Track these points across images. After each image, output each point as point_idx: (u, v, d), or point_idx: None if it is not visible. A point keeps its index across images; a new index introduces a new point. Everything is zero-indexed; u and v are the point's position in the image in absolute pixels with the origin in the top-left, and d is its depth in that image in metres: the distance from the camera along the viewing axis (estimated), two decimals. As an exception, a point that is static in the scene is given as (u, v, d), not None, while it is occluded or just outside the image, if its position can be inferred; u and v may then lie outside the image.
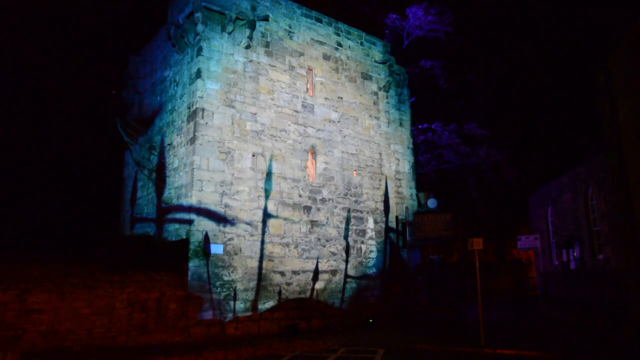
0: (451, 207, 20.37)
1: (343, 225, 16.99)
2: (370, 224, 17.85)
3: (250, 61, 15.67)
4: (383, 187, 18.61)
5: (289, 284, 15.17)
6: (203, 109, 14.33)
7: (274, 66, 16.23)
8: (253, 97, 15.48)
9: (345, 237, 16.96)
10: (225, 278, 13.81)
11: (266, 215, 15.04)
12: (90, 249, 13.94)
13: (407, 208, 18.23)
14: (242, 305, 14.00)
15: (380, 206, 18.36)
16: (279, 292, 14.88)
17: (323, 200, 16.59)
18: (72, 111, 22.10)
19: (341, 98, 17.95)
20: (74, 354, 10.58)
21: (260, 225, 14.84)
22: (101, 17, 22.60)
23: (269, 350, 11.57)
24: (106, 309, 11.48)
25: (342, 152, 17.51)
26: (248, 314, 14.08)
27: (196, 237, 13.46)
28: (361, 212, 17.64)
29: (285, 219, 15.47)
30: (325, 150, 17.00)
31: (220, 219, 14.04)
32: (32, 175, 21.43)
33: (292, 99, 16.45)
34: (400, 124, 19.96)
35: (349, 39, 18.80)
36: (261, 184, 15.11)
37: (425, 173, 27.49)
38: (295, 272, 15.40)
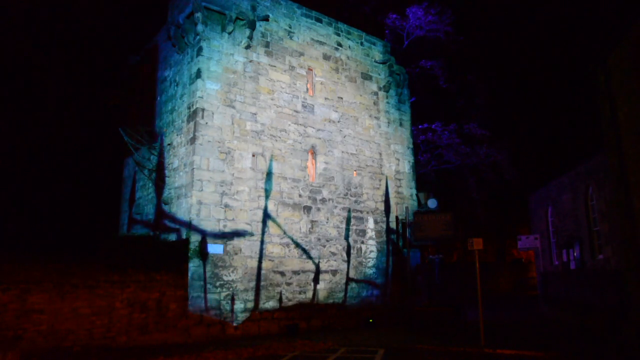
0: (451, 207, 20.40)
1: (343, 226, 16.99)
2: (371, 224, 17.85)
3: (250, 61, 15.67)
4: (383, 187, 18.61)
5: (289, 284, 15.17)
6: (203, 109, 14.33)
7: (274, 66, 16.23)
8: (253, 97, 15.48)
9: (346, 238, 16.96)
10: (225, 278, 13.80)
11: (266, 215, 15.04)
12: (90, 249, 13.94)
13: (407, 208, 18.23)
14: (242, 306, 14.00)
15: (380, 206, 18.36)
16: (279, 292, 14.88)
17: (323, 200, 16.59)
18: (72, 111, 22.11)
19: (341, 98, 17.95)
20: (74, 354, 10.58)
21: (260, 225, 14.84)
22: (101, 17, 22.60)
23: (269, 350, 11.57)
24: (106, 309, 11.48)
25: (342, 152, 17.51)
26: (248, 314, 14.08)
27: (196, 237, 13.45)
28: (361, 212, 17.64)
29: (285, 218, 15.46)
30: (325, 150, 17.00)
31: (221, 218, 14.03)
32: (32, 175, 21.43)
33: (292, 99, 16.45)
34: (400, 124, 19.96)
35: (349, 39, 18.80)
36: (261, 184, 15.11)
37: (425, 173, 27.49)
38: (295, 272, 15.40)
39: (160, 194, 15.82)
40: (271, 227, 15.09)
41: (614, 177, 14.26)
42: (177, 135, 15.29)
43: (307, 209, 16.12)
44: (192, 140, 14.16)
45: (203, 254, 13.45)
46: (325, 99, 17.43)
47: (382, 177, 18.64)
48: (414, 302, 17.10)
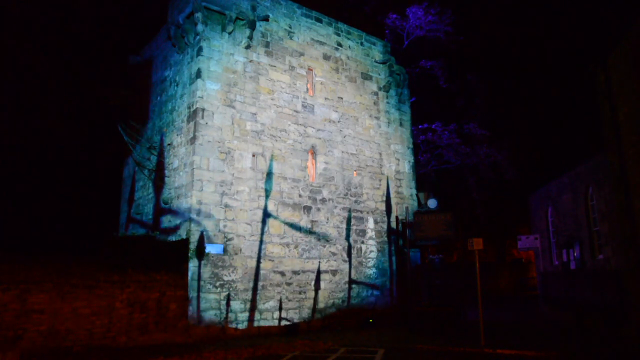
0: (451, 207, 20.39)
1: (343, 226, 16.99)
2: (371, 224, 17.85)
3: (251, 61, 15.68)
4: (383, 187, 18.61)
5: (289, 284, 15.17)
6: (203, 109, 14.33)
7: (274, 66, 16.23)
8: (253, 97, 15.48)
9: (347, 238, 16.96)
10: (226, 278, 13.80)
11: (266, 215, 15.04)
12: (90, 249, 13.94)
13: (407, 208, 18.23)
14: (242, 305, 14.00)
15: (380, 206, 18.36)
16: (279, 292, 14.88)
17: (323, 200, 16.59)
18: (72, 111, 22.11)
19: (341, 98, 17.95)
20: (73, 354, 10.58)
21: (260, 225, 14.84)
22: (101, 17, 22.60)
23: (269, 350, 11.57)
24: (106, 309, 11.48)
25: (342, 152, 17.51)
26: (248, 314, 14.08)
27: (196, 237, 13.45)
28: (361, 212, 17.64)
29: (285, 219, 15.46)
30: (325, 150, 17.00)
31: (221, 218, 14.03)
32: (32, 175, 21.43)
33: (292, 99, 16.45)
34: (400, 124, 19.96)
35: (349, 39, 18.80)
36: (261, 184, 15.11)
37: (425, 173, 27.49)
38: (295, 272, 15.40)
39: (159, 193, 15.82)
40: (271, 227, 15.09)
41: (614, 177, 14.27)
42: (177, 135, 15.29)
43: (307, 209, 16.12)
44: (192, 140, 14.16)
45: (203, 254, 13.46)
46: (325, 99, 17.43)
47: (382, 177, 18.64)
48: (414, 302, 17.10)
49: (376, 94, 19.30)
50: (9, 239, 17.51)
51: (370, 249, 17.69)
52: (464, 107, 30.42)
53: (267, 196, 15.16)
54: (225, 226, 14.08)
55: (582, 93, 29.95)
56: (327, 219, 16.55)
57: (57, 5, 21.65)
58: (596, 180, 19.66)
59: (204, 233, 13.60)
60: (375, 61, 19.57)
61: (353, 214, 17.35)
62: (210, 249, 13.59)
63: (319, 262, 16.05)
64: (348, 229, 17.08)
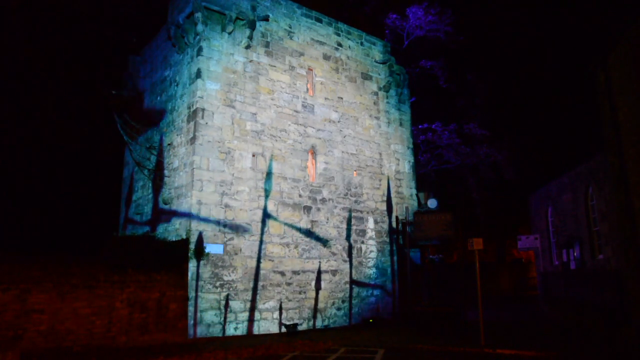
0: (451, 207, 20.40)
1: (343, 226, 16.99)
2: (371, 224, 17.85)
3: (251, 61, 15.68)
4: (383, 187, 18.61)
5: (289, 284, 15.17)
6: (203, 109, 14.33)
7: (274, 66, 16.23)
8: (253, 97, 15.48)
9: (347, 238, 16.96)
10: (226, 278, 13.81)
11: (266, 215, 15.04)
12: (90, 249, 13.94)
13: (407, 208, 18.23)
14: (242, 305, 14.00)
15: (380, 206, 18.36)
16: (279, 292, 14.88)
17: (323, 200, 16.59)
18: (72, 111, 22.11)
19: (341, 98, 17.95)
20: (74, 354, 10.58)
21: (260, 225, 14.84)
22: (101, 17, 22.60)
23: (269, 350, 11.57)
24: (106, 309, 11.48)
25: (342, 152, 17.51)
26: (248, 314, 14.08)
27: (196, 237, 13.45)
28: (361, 212, 17.64)
29: (285, 219, 15.47)
30: (325, 150, 17.00)
31: (221, 218, 14.03)
32: (32, 176, 21.43)
33: (292, 99, 16.45)
34: (400, 124, 19.96)
35: (349, 39, 18.80)
36: (261, 184, 15.11)
37: (425, 173, 27.51)
38: (295, 272, 15.40)
39: (159, 193, 15.82)
40: (271, 227, 15.09)
41: (614, 177, 14.26)
42: (177, 135, 15.29)
43: (307, 209, 16.12)
44: (192, 140, 14.16)
45: (203, 253, 13.46)
46: (325, 99, 17.43)
47: (382, 177, 18.64)
48: (414, 302, 17.11)
49: (376, 94, 19.30)
50: (9, 239, 17.51)
51: (370, 249, 17.69)
52: (464, 107, 30.44)
53: (267, 196, 15.16)
54: (225, 226, 14.08)
55: (582, 93, 29.94)
56: (327, 219, 16.55)
57: (58, 5, 21.65)
58: (596, 180, 19.66)
59: (204, 233, 13.61)
60: (375, 61, 19.57)
61: (353, 214, 17.35)
62: (210, 248, 13.60)
63: (319, 262, 16.05)
64: (348, 229, 17.08)
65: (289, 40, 16.84)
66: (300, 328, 14.86)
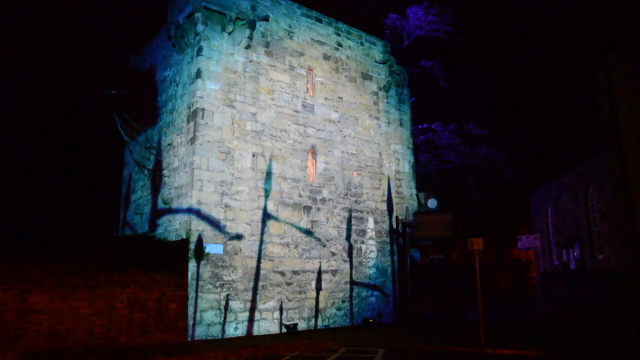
0: (451, 207, 20.39)
1: (343, 226, 16.99)
2: (371, 224, 17.86)
3: (251, 61, 15.68)
4: (383, 187, 18.61)
5: (289, 284, 15.17)
6: (203, 109, 14.33)
7: (274, 66, 16.23)
8: (253, 97, 15.48)
9: (347, 238, 16.96)
10: (226, 278, 13.81)
11: (266, 215, 15.05)
12: (90, 249, 13.94)
13: (407, 208, 18.23)
14: (242, 305, 14.00)
15: (380, 206, 18.36)
16: (279, 292, 14.88)
17: (323, 200, 16.59)
18: (72, 111, 22.11)
19: (341, 98, 17.95)
20: (74, 353, 10.58)
21: (260, 225, 14.84)
22: (101, 17, 22.60)
23: (269, 350, 11.57)
24: (106, 309, 11.48)
25: (342, 152, 17.51)
26: (248, 313, 14.08)
27: (196, 237, 13.46)
28: (361, 212, 17.64)
29: (285, 219, 15.47)
30: (325, 150, 17.00)
31: (221, 218, 14.04)
32: (32, 175, 21.44)
33: (292, 99, 16.45)
34: (400, 124, 19.96)
35: (349, 39, 18.80)
36: (261, 184, 15.12)
37: (425, 173, 27.50)
38: (295, 272, 15.40)
39: (159, 193, 15.82)
40: (271, 227, 15.09)
41: (614, 177, 14.27)
42: (177, 135, 15.29)
43: (307, 209, 16.12)
44: (192, 140, 14.16)
45: (203, 253, 13.46)
46: (325, 99, 17.44)
47: (382, 177, 18.64)
48: (414, 302, 17.11)
49: (376, 94, 19.30)
50: (9, 239, 17.51)
51: (370, 249, 17.69)
52: (464, 107, 30.43)
53: (267, 196, 15.16)
54: (225, 226, 14.08)
55: (582, 93, 29.94)
56: (327, 219, 16.55)
57: (58, 5, 21.65)
58: (596, 180, 19.66)
59: (204, 233, 13.61)
60: (375, 61, 19.57)
61: (353, 214, 17.34)
62: (210, 248, 13.60)
63: (319, 262, 16.05)
64: (348, 229, 17.08)
65: (289, 40, 16.84)
66: (300, 328, 14.86)
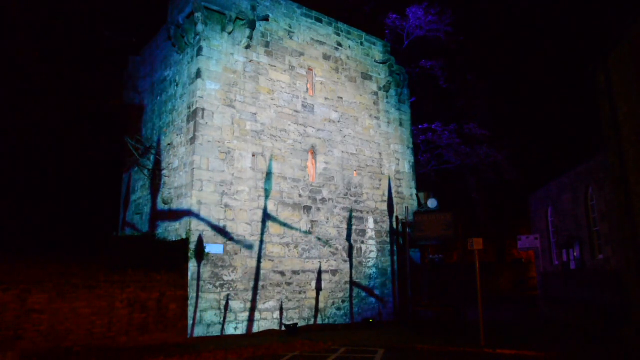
0: (451, 207, 20.38)
1: (343, 225, 16.99)
2: (371, 224, 17.85)
3: (251, 61, 15.67)
4: (383, 187, 18.61)
5: (289, 284, 15.17)
6: (203, 109, 14.33)
7: (274, 66, 16.23)
8: (253, 97, 15.48)
9: (347, 238, 16.96)
10: (226, 278, 13.80)
11: (266, 215, 15.04)
12: (90, 249, 13.93)
13: (407, 208, 18.23)
14: (242, 305, 14.00)
15: (380, 206, 18.36)
16: (279, 292, 14.88)
17: (323, 200, 16.59)
18: (72, 111, 22.10)
19: (341, 98, 17.95)
20: (74, 353, 10.58)
21: (260, 225, 14.84)
22: (101, 17, 22.60)
23: (269, 350, 11.57)
24: (106, 309, 11.48)
25: (342, 152, 17.51)
26: (248, 313, 14.08)
27: (196, 237, 13.46)
28: (361, 212, 17.63)
29: (285, 219, 15.46)
30: (325, 150, 17.00)
31: (221, 218, 14.03)
32: (32, 175, 21.43)
33: (292, 99, 16.45)
34: (400, 124, 19.96)
35: (349, 39, 18.80)
36: (261, 184, 15.11)
37: (425, 173, 27.50)
38: (295, 272, 15.40)
39: (159, 193, 15.82)
40: (271, 227, 15.09)
41: (614, 177, 14.27)
42: (177, 135, 15.29)
43: (307, 209, 16.12)
44: (192, 140, 14.16)
45: (203, 253, 13.46)
46: (325, 99, 17.43)
47: (382, 177, 18.64)
48: (414, 302, 17.11)
49: (376, 94, 19.30)
50: (8, 239, 17.51)
51: (370, 249, 17.69)
52: (464, 107, 30.42)
53: (267, 196, 15.16)
54: (225, 226, 14.08)
55: (582, 93, 29.94)
56: (327, 219, 16.54)
57: (57, 6, 21.64)
58: (596, 180, 19.67)
59: (204, 233, 13.61)
60: (375, 61, 19.57)
61: (353, 214, 17.34)
62: (210, 248, 13.60)
63: (319, 262, 16.05)
64: (348, 229, 17.08)
65: (289, 40, 16.84)
66: (300, 328, 14.85)
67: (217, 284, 13.60)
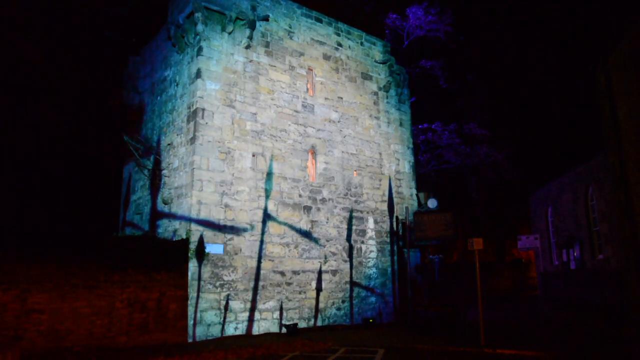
0: (451, 207, 20.38)
1: (343, 226, 16.99)
2: (371, 224, 17.85)
3: (251, 61, 15.68)
4: (383, 187, 18.61)
5: (289, 284, 15.17)
6: (203, 109, 14.33)
7: (274, 66, 16.23)
8: (253, 97, 15.48)
9: (347, 238, 16.96)
10: (226, 278, 13.81)
11: (266, 215, 15.04)
12: (90, 248, 13.93)
13: (407, 208, 18.23)
14: (242, 305, 14.00)
15: (380, 206, 18.36)
16: (279, 292, 14.88)
17: (323, 200, 16.59)
18: (72, 111, 22.10)
19: (341, 98, 17.95)
20: (74, 353, 10.57)
21: (260, 225, 14.84)
22: (101, 17, 22.60)
23: (269, 350, 11.57)
24: (106, 309, 11.48)
25: (342, 152, 17.51)
26: (248, 313, 14.08)
27: (196, 237, 13.46)
28: (361, 212, 17.64)
29: (285, 219, 15.46)
30: (325, 150, 17.00)
31: (221, 218, 14.03)
32: (32, 175, 21.43)
33: (292, 99, 16.45)
34: (400, 124, 19.96)
35: (349, 39, 18.80)
36: (261, 184, 15.12)
37: (425, 173, 27.50)
38: (295, 272, 15.40)
39: (159, 193, 15.82)
40: (271, 227, 15.09)
41: (614, 177, 14.27)
42: (177, 135, 15.29)
43: (307, 209, 16.12)
44: (192, 140, 14.16)
45: (203, 253, 13.46)
46: (325, 99, 17.43)
47: (382, 177, 18.64)
48: (414, 302, 17.12)
49: (376, 94, 19.30)
50: (9, 239, 17.51)
51: (371, 249, 17.69)
52: (464, 107, 30.42)
53: (267, 196, 15.16)
54: (225, 226, 14.08)
55: (582, 93, 29.94)
56: (327, 219, 16.55)
57: (57, 6, 21.65)
58: (596, 180, 19.67)
59: (204, 233, 13.61)
60: (375, 61, 19.57)
61: (353, 214, 17.34)
62: (210, 248, 13.60)
63: (319, 262, 16.05)
64: (348, 229, 17.08)
65: (289, 40, 16.84)
66: (300, 328, 14.85)
67: (217, 284, 13.60)
